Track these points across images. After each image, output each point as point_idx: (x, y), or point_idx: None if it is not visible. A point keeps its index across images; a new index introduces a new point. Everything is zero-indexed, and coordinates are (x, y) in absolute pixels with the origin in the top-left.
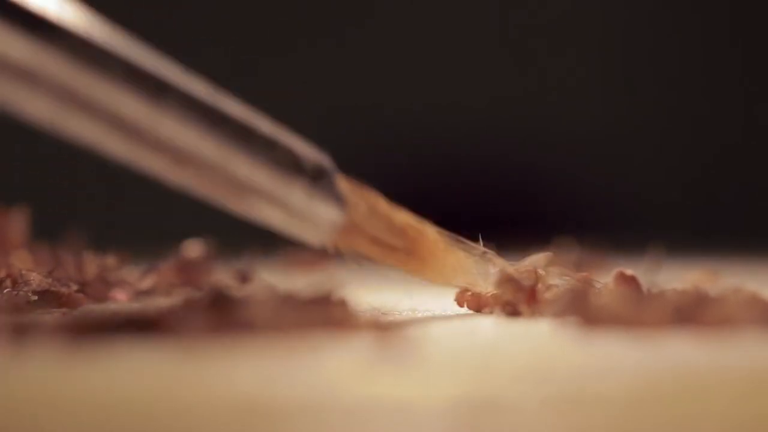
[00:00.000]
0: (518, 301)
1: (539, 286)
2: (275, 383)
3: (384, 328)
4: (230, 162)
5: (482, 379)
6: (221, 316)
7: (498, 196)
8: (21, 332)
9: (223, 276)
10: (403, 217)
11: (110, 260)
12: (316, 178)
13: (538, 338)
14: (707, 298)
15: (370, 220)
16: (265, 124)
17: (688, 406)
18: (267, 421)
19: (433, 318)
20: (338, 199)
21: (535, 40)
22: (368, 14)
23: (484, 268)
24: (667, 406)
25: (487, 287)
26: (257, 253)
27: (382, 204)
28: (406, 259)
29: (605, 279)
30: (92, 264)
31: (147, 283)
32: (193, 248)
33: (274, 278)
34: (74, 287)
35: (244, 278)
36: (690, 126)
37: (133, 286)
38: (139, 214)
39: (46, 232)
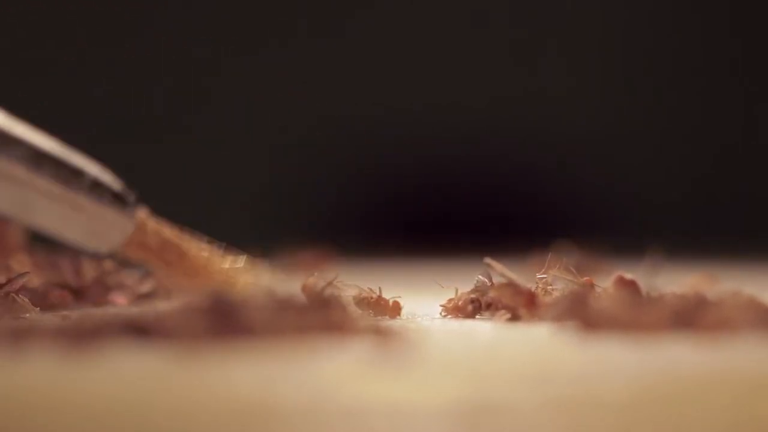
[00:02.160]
0: (518, 305)
1: (538, 289)
2: (274, 386)
3: (382, 331)
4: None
5: (481, 382)
6: (220, 320)
7: (497, 198)
8: (20, 336)
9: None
10: (175, 232)
11: (109, 264)
12: (116, 197)
13: (538, 342)
14: (706, 301)
15: (150, 237)
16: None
17: (687, 409)
18: (266, 424)
19: (432, 321)
20: (127, 212)
21: (535, 41)
22: (368, 14)
23: (259, 274)
24: (665, 409)
25: (345, 292)
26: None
27: (164, 227)
28: (179, 270)
29: (604, 283)
30: (91, 268)
31: (146, 286)
32: None
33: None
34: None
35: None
36: (689, 129)
37: (132, 289)
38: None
39: (46, 235)
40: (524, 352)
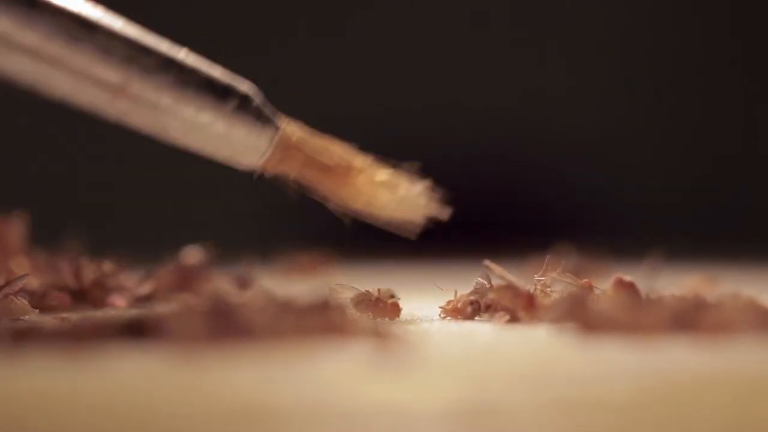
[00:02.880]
0: (517, 306)
1: (537, 291)
2: (274, 388)
3: (382, 333)
4: (160, 90)
5: (480, 383)
6: (220, 322)
7: (496, 200)
8: (20, 337)
9: (221, 282)
10: (330, 139)
11: (108, 266)
12: (244, 101)
13: (537, 343)
14: (705, 303)
15: (300, 141)
16: (189, 55)
17: (686, 411)
18: (266, 426)
19: (432, 323)
20: (268, 121)
21: (535, 41)
22: (369, 14)
23: (411, 187)
24: (664, 410)
25: (417, 203)
26: (256, 259)
27: (309, 129)
28: (336, 179)
29: (604, 285)
30: (90, 270)
31: (145, 288)
32: (192, 254)
33: (273, 284)
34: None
35: (242, 284)
36: (689, 130)
37: (131, 291)
38: (138, 220)
39: (45, 238)
40: (523, 353)
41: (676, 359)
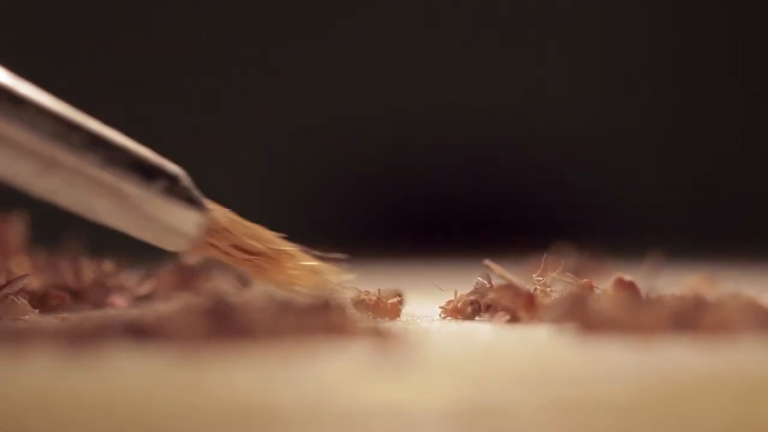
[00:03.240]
0: (517, 306)
1: (538, 291)
2: (274, 388)
3: (382, 333)
4: (88, 167)
5: (481, 383)
6: (220, 321)
7: (496, 199)
8: (20, 338)
9: (221, 281)
10: (257, 227)
11: (108, 266)
12: (172, 182)
13: (537, 343)
14: (705, 303)
15: (229, 225)
16: (118, 135)
17: (686, 411)
18: (266, 426)
19: (432, 323)
20: (197, 204)
21: (534, 42)
22: (369, 14)
23: (339, 274)
24: (665, 410)
25: (345, 293)
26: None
27: (235, 215)
28: (265, 264)
29: (604, 284)
30: (90, 270)
31: (145, 288)
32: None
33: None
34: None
35: (243, 284)
36: (689, 130)
37: (131, 291)
38: None
39: (45, 237)
40: (524, 353)
41: (676, 359)
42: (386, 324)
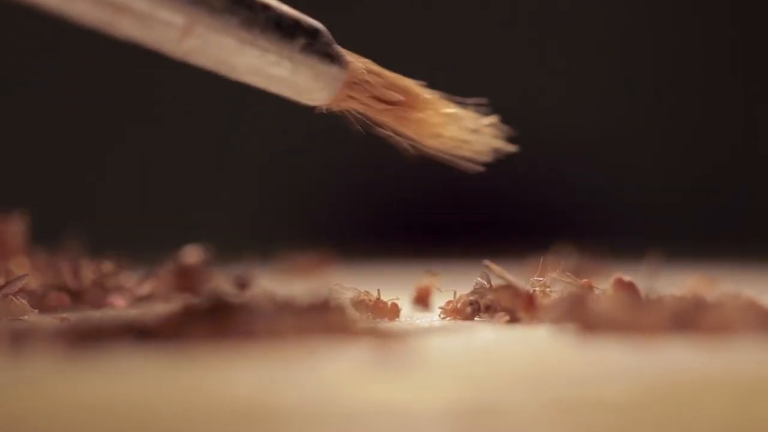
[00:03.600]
0: (517, 307)
1: (537, 292)
2: (274, 388)
3: (382, 333)
4: (230, 27)
5: (480, 384)
6: (220, 322)
7: (496, 200)
8: (19, 338)
9: (221, 282)
10: (397, 76)
11: (108, 266)
12: (312, 38)
13: (537, 344)
14: (705, 304)
15: (368, 76)
16: None
17: (686, 412)
18: (266, 426)
19: (432, 323)
20: (337, 58)
21: (534, 42)
22: (369, 14)
23: (477, 121)
24: (664, 411)
25: (480, 138)
26: (256, 259)
27: (376, 65)
28: (404, 113)
29: (603, 285)
30: (90, 270)
31: (145, 288)
32: (192, 254)
33: (273, 284)
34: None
35: (242, 284)
36: (689, 132)
37: (131, 291)
38: (138, 220)
39: (45, 238)
40: (523, 354)
41: (676, 359)
42: (386, 324)
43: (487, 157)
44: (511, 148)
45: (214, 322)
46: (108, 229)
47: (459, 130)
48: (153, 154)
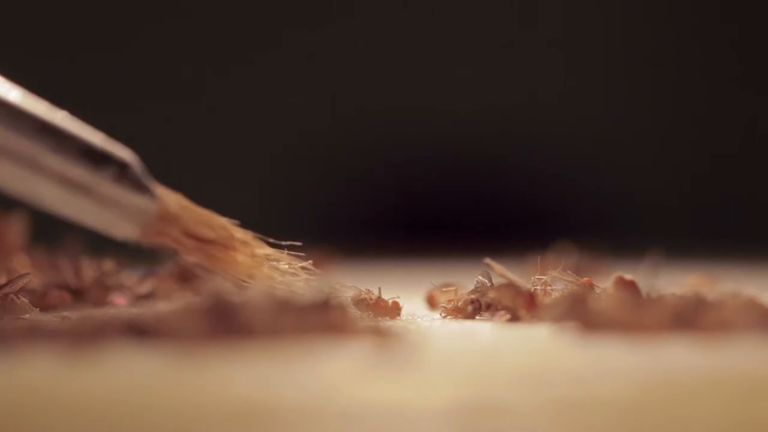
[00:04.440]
0: (517, 305)
1: (538, 290)
2: (274, 387)
3: (382, 332)
4: (37, 153)
5: (481, 382)
6: (220, 321)
7: (497, 200)
8: (20, 336)
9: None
10: (209, 213)
11: (109, 265)
12: (122, 169)
13: (537, 342)
14: (705, 302)
15: (180, 211)
16: (69, 120)
17: (686, 410)
18: (265, 425)
19: (432, 322)
20: (147, 191)
21: (534, 42)
22: (369, 15)
23: (294, 264)
24: (665, 409)
25: (297, 282)
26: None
27: (188, 201)
28: (216, 252)
29: (604, 283)
30: (91, 268)
31: (146, 287)
32: None
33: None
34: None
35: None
36: (689, 131)
37: (131, 290)
38: None
39: (45, 236)
40: (524, 352)
41: (677, 358)
42: (386, 323)
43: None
44: (520, 317)
45: (214, 321)
46: None
47: (272, 270)
48: (153, 153)
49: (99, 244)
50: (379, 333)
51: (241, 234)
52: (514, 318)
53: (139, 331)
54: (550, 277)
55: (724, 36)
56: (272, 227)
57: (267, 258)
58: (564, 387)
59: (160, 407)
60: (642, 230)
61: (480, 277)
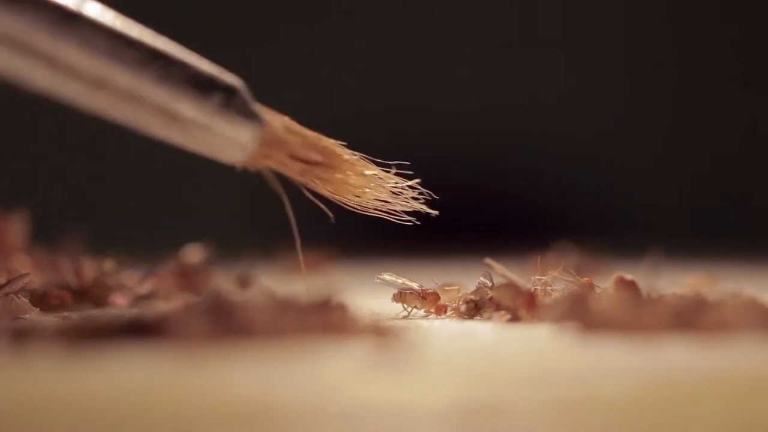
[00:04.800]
0: (518, 305)
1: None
2: (274, 387)
3: (383, 332)
4: (142, 84)
5: (481, 382)
6: (220, 320)
7: (498, 200)
8: (21, 337)
9: (222, 281)
10: (317, 134)
11: (109, 265)
12: (229, 96)
13: (538, 342)
14: (706, 302)
15: (286, 135)
16: (175, 47)
17: (687, 410)
18: (266, 425)
19: (432, 322)
20: (254, 116)
21: (534, 42)
22: (370, 15)
23: (398, 182)
24: (665, 409)
25: (399, 200)
26: (256, 258)
27: (295, 123)
28: (323, 174)
29: (604, 283)
30: (91, 269)
31: (146, 287)
32: (193, 253)
33: (274, 283)
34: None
35: (243, 283)
36: (689, 131)
37: (132, 290)
38: (139, 219)
39: (45, 236)
40: (524, 352)
41: (677, 358)
42: (386, 324)
43: (406, 218)
44: (428, 210)
45: (215, 321)
46: (108, 228)
47: (379, 191)
48: (154, 153)
49: (99, 244)
50: (379, 333)
51: (348, 155)
52: (515, 318)
53: (139, 332)
54: (551, 277)
55: (724, 36)
56: (272, 227)
57: (374, 178)
58: (564, 387)
59: (160, 407)
60: (642, 230)
61: (482, 278)
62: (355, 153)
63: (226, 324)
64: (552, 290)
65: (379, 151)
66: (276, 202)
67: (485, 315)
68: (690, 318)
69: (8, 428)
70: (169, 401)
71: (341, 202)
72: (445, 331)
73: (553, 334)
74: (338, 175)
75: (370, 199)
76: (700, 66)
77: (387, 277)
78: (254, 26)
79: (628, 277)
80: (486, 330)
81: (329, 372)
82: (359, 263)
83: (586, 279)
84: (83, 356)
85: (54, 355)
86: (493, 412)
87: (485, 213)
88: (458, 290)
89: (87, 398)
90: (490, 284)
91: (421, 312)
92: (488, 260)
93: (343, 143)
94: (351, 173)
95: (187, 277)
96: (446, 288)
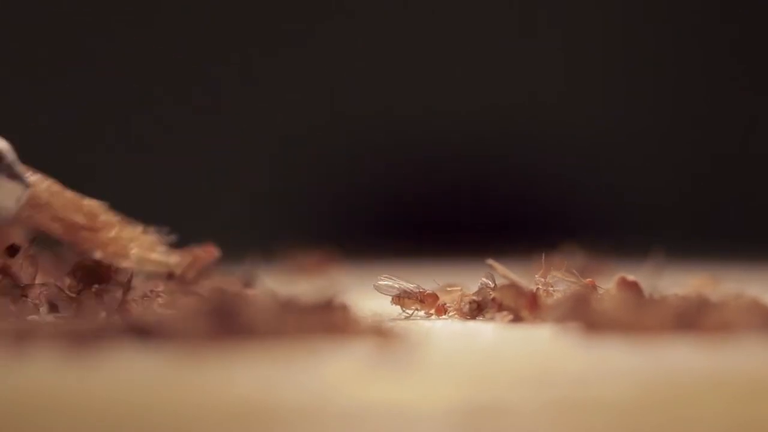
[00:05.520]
0: (520, 306)
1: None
2: (276, 387)
3: (384, 333)
4: None
5: (483, 383)
6: (221, 321)
7: (500, 200)
8: (22, 337)
9: (223, 282)
10: (78, 197)
11: (110, 265)
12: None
13: (540, 343)
14: (708, 303)
15: (49, 198)
16: None
17: (689, 411)
18: (267, 425)
19: (433, 323)
20: (18, 179)
21: (534, 42)
22: (370, 15)
23: (163, 246)
24: (667, 411)
25: (166, 263)
26: (258, 258)
27: (61, 187)
28: (88, 235)
29: (607, 284)
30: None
31: (147, 287)
32: (195, 253)
33: (275, 284)
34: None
35: (245, 284)
36: (689, 131)
37: (132, 290)
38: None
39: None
40: (526, 353)
41: (679, 359)
42: (389, 324)
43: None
44: (176, 268)
45: (216, 321)
46: None
47: (140, 250)
48: (154, 153)
49: None
50: (381, 334)
51: (109, 217)
52: (517, 319)
53: (140, 332)
54: (553, 278)
55: (724, 36)
56: (272, 227)
57: (133, 239)
58: (566, 388)
59: (160, 407)
60: (642, 230)
61: (484, 279)
62: (116, 214)
63: (227, 324)
64: (554, 291)
65: (382, 152)
66: (276, 202)
67: (487, 315)
68: (692, 319)
69: (8, 428)
70: (169, 401)
71: (111, 262)
72: (446, 332)
73: (556, 334)
74: (101, 236)
75: (137, 258)
76: (700, 66)
77: (383, 282)
78: (254, 26)
79: (631, 277)
80: (488, 330)
81: (330, 372)
82: (361, 264)
83: (588, 280)
84: (83, 356)
85: (54, 355)
86: (494, 413)
87: (485, 213)
88: (460, 291)
89: (86, 398)
90: (492, 285)
91: (422, 313)
92: (490, 261)
93: (105, 203)
94: (113, 235)
95: (187, 278)
96: (448, 289)
